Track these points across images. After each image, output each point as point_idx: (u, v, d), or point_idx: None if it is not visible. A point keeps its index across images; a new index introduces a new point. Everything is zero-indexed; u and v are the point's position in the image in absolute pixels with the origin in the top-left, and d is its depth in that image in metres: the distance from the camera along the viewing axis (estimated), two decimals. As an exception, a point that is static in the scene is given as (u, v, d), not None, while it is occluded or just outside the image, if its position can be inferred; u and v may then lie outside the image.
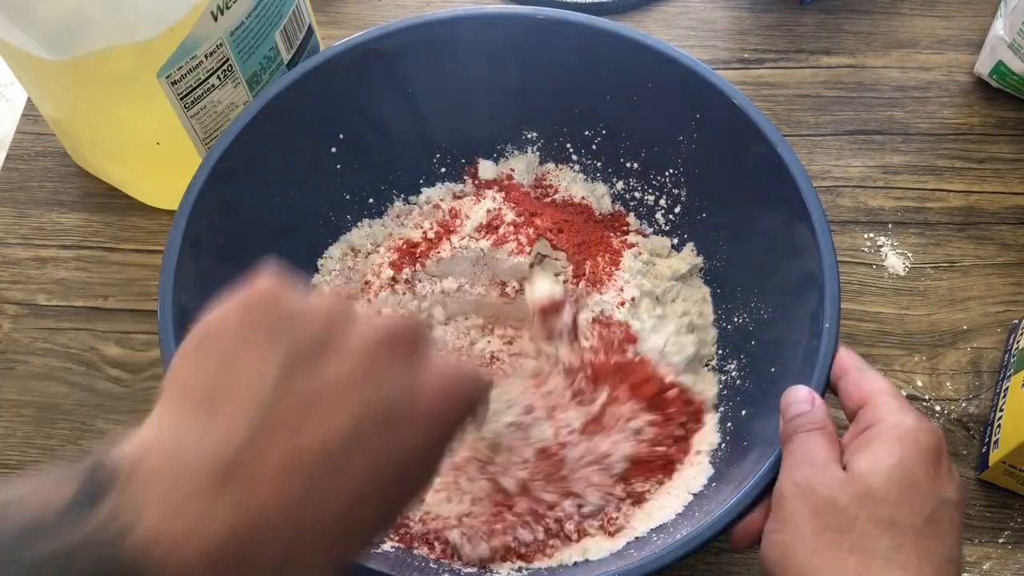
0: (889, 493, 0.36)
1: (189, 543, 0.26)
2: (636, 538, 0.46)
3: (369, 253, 0.57)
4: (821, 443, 0.39)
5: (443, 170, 0.59)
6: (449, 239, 0.55)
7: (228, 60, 0.53)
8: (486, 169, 0.59)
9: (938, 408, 0.55)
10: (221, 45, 0.52)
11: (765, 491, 0.41)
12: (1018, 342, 0.54)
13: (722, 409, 0.51)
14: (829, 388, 0.43)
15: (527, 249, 0.53)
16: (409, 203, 0.59)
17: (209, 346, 0.30)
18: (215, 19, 0.51)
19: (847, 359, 0.43)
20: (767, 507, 0.41)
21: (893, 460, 0.37)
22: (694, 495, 0.47)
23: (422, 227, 0.56)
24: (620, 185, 0.58)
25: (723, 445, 0.49)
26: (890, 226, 0.61)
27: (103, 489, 0.26)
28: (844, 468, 0.38)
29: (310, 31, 0.60)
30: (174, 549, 0.26)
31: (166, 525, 0.26)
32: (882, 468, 0.37)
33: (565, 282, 0.53)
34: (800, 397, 0.42)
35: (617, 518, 0.48)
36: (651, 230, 0.58)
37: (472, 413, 0.34)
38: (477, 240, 0.54)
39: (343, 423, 0.29)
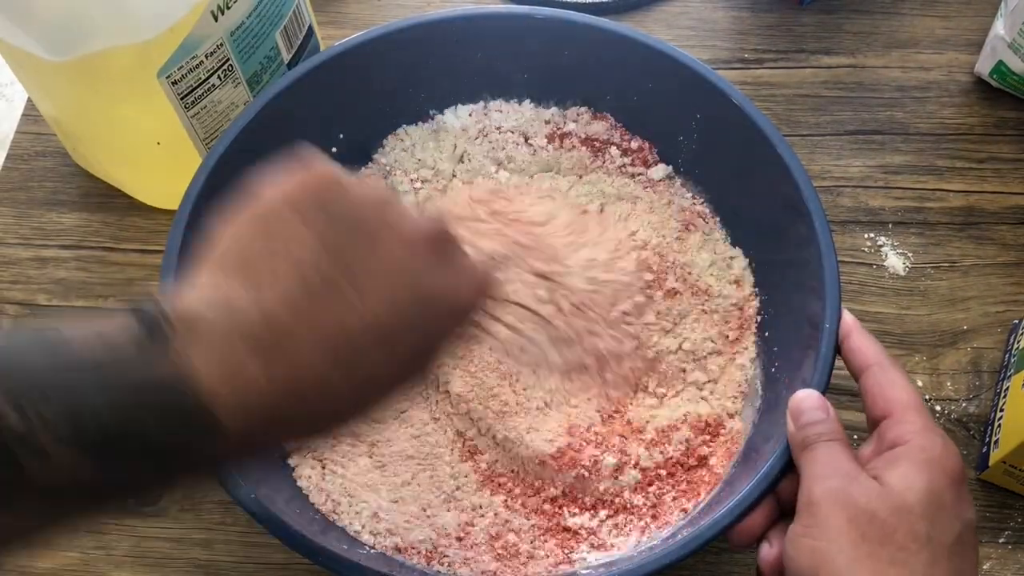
0: (925, 509, 0.36)
1: (232, 395, 0.28)
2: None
3: None
4: (845, 454, 0.39)
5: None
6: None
7: (228, 60, 0.53)
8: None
9: (938, 408, 0.55)
10: (221, 45, 0.52)
11: (765, 493, 0.41)
12: (1018, 342, 0.54)
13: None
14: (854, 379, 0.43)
15: None
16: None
17: (262, 220, 0.31)
18: (215, 19, 0.51)
19: (870, 351, 0.42)
20: (768, 507, 0.41)
21: (925, 481, 0.37)
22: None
23: None
24: (620, 185, 0.58)
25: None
26: (890, 226, 0.61)
27: (159, 337, 0.28)
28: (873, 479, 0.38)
29: (310, 31, 0.60)
30: (223, 399, 0.28)
31: (216, 376, 0.28)
32: (916, 486, 0.37)
33: None
34: (813, 404, 0.41)
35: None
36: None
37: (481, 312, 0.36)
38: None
39: (382, 307, 0.30)
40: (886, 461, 0.38)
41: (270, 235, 0.31)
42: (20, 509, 0.27)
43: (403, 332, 0.31)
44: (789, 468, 0.41)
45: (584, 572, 0.44)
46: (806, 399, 0.41)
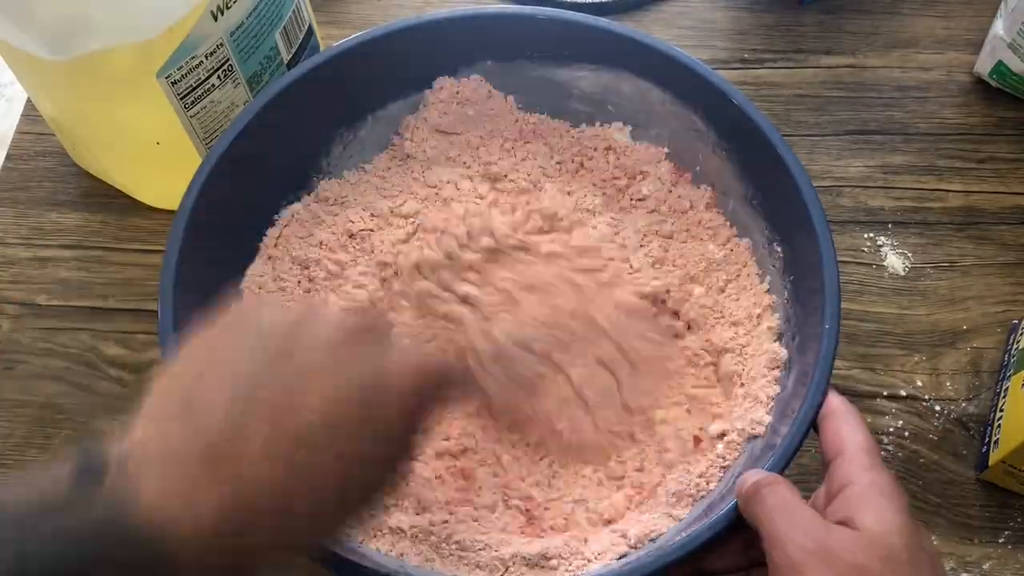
0: (908, 552, 0.35)
1: (186, 520, 0.28)
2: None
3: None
4: (793, 498, 0.38)
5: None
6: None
7: (228, 60, 0.53)
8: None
9: (938, 408, 0.55)
10: (221, 45, 0.52)
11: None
12: (1018, 342, 0.54)
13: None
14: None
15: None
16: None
17: (184, 360, 0.33)
18: (215, 19, 0.51)
19: (835, 402, 0.42)
20: (738, 550, 0.41)
21: (899, 519, 0.36)
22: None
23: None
24: (620, 185, 0.58)
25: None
26: (890, 226, 0.61)
27: (98, 474, 0.28)
28: (842, 524, 0.37)
29: (310, 31, 0.60)
30: (173, 523, 0.28)
31: (163, 502, 0.28)
32: (894, 528, 0.36)
33: None
34: (756, 471, 0.40)
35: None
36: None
37: (444, 391, 0.36)
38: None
39: (320, 407, 0.31)
40: (847, 501, 0.37)
41: (202, 369, 0.32)
42: None
43: (353, 424, 0.31)
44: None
45: (582, 574, 0.44)
46: (747, 474, 0.41)
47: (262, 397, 0.31)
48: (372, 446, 0.32)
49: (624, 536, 0.45)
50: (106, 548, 0.27)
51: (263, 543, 0.30)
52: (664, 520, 0.46)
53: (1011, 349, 0.55)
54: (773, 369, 0.48)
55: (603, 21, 0.54)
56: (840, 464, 0.39)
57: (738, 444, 0.47)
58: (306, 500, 0.30)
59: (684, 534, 0.42)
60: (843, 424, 0.41)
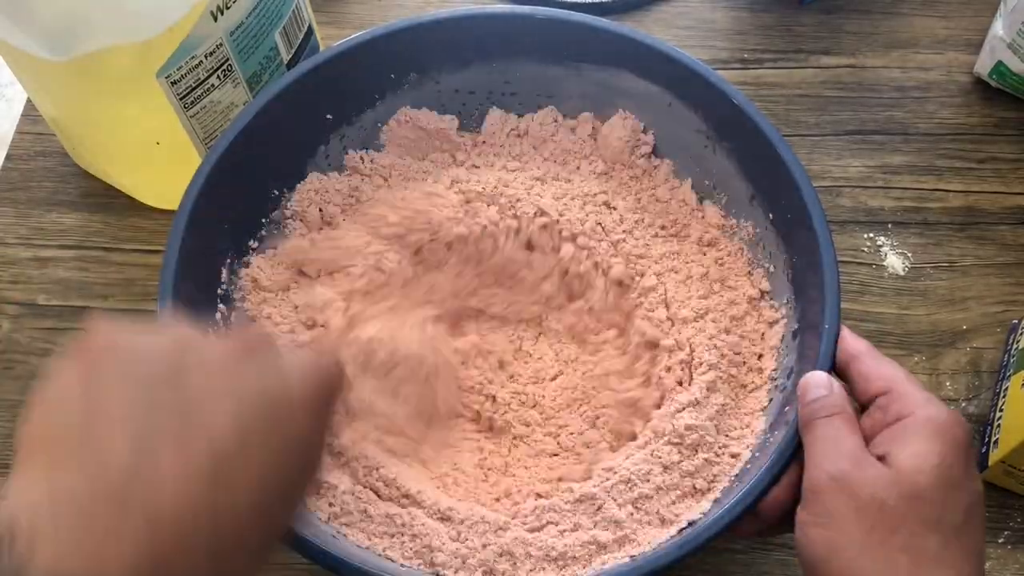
0: (936, 492, 0.36)
1: (102, 570, 0.26)
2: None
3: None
4: (845, 429, 0.39)
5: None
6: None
7: (228, 60, 0.53)
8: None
9: (938, 408, 0.55)
10: (221, 45, 0.52)
11: (761, 496, 0.41)
12: (1018, 342, 0.54)
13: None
14: (838, 375, 0.43)
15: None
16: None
17: (62, 398, 0.30)
18: (215, 19, 0.51)
19: (856, 343, 0.43)
20: (793, 482, 0.41)
21: (936, 458, 0.37)
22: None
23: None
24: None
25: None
26: (890, 226, 0.61)
27: None
28: (881, 459, 0.38)
29: (310, 31, 0.60)
30: None
31: (64, 567, 0.26)
32: (927, 467, 0.37)
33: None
34: (817, 382, 0.41)
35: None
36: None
37: (338, 395, 0.36)
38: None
39: (225, 421, 0.30)
40: (894, 435, 0.38)
41: (80, 405, 0.29)
42: None
43: (264, 437, 0.30)
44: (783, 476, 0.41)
45: (583, 572, 0.44)
46: (811, 378, 0.42)
47: (163, 426, 0.28)
48: (286, 457, 0.31)
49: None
50: None
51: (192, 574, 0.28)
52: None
53: (1011, 349, 0.55)
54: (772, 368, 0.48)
55: (603, 21, 0.54)
56: (892, 399, 0.39)
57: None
58: (228, 518, 0.29)
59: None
60: (879, 360, 0.42)
